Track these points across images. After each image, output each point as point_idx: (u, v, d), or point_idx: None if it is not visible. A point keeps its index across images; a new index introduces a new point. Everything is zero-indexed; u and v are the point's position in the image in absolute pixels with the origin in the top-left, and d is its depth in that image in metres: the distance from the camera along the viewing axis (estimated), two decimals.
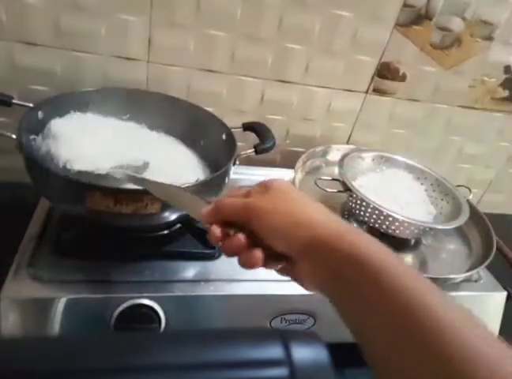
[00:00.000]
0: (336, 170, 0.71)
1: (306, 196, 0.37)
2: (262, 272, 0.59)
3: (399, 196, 0.69)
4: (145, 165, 0.59)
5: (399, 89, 0.84)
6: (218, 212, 0.37)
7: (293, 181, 0.70)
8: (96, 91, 0.65)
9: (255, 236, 0.35)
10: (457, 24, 0.78)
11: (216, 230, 0.36)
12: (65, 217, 0.58)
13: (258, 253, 0.35)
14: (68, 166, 0.54)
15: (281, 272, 0.37)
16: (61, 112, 0.61)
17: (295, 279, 0.37)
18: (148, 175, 0.58)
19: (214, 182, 0.56)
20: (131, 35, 0.69)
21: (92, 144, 0.57)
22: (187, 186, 0.49)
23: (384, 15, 0.75)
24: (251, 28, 0.72)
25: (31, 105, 0.57)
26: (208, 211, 0.37)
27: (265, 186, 0.38)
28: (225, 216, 0.37)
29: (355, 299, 0.31)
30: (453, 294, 0.65)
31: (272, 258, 0.36)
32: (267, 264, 0.36)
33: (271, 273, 0.59)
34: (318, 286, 0.34)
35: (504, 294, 0.67)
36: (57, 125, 0.57)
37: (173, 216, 0.53)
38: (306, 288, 0.36)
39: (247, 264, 0.35)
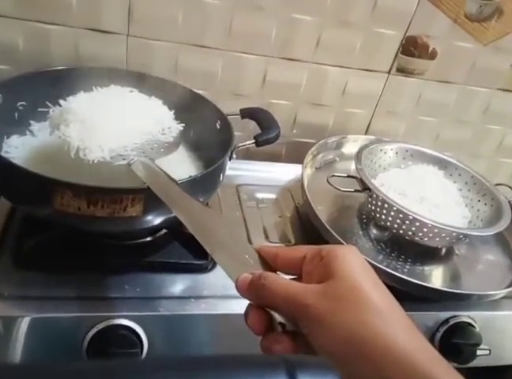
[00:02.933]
0: (352, 165, 0.71)
1: (387, 298, 0.32)
2: None
3: (427, 196, 0.69)
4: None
5: (428, 69, 0.84)
6: (260, 292, 0.34)
7: (301, 179, 0.70)
8: (66, 71, 0.65)
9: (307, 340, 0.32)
10: None
11: (256, 320, 0.34)
12: (28, 221, 0.58)
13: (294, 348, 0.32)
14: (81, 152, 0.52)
15: None
16: (24, 95, 0.61)
17: None
18: (129, 173, 0.57)
19: (207, 179, 0.56)
20: (108, 3, 0.69)
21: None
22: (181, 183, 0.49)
23: None
24: None
25: None
26: (248, 282, 0.34)
27: (323, 264, 0.33)
28: (268, 302, 0.34)
29: None
30: (493, 313, 0.65)
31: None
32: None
33: None
34: None
35: None
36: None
37: (157, 220, 0.53)
38: None
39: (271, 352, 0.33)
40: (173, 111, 0.60)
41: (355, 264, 0.33)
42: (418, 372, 0.28)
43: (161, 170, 0.50)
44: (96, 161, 0.51)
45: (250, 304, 0.35)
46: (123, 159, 0.52)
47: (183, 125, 0.59)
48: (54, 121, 0.54)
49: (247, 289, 0.34)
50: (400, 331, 0.30)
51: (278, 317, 0.33)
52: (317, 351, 0.30)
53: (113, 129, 0.53)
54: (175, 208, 0.44)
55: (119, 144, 0.52)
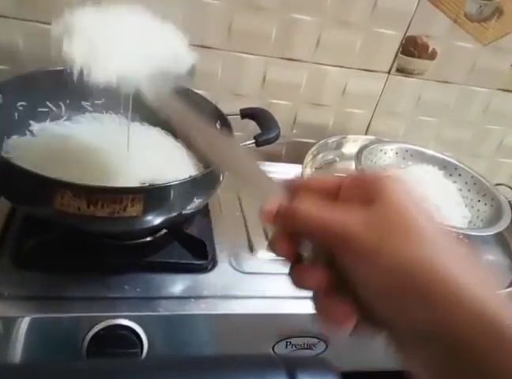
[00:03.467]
0: (352, 165, 0.71)
1: (443, 230, 0.26)
2: (264, 287, 0.59)
3: (427, 196, 0.69)
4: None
5: (428, 69, 0.84)
6: (291, 219, 0.29)
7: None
8: (66, 71, 0.65)
9: (344, 275, 0.27)
10: None
11: (284, 242, 0.29)
12: (28, 221, 0.58)
13: (349, 307, 0.27)
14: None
15: (386, 340, 0.28)
16: (24, 95, 0.61)
17: (398, 354, 0.27)
18: (131, 172, 0.58)
19: (207, 179, 0.56)
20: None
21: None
22: (175, 184, 0.49)
23: None
24: None
25: None
26: (275, 210, 0.29)
27: (368, 188, 0.28)
28: (300, 230, 0.29)
29: None
30: None
31: (368, 321, 0.27)
32: (360, 327, 0.27)
33: (274, 288, 0.59)
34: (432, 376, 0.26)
35: None
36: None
37: (157, 220, 0.53)
38: (410, 369, 0.27)
39: (329, 317, 0.27)
40: (187, 39, 0.54)
41: (404, 189, 0.27)
42: (486, 317, 0.23)
43: (172, 96, 0.45)
44: (101, 85, 0.46)
45: (277, 231, 0.30)
46: (129, 85, 0.47)
47: (197, 57, 0.53)
48: (56, 35, 0.48)
49: (275, 216, 0.29)
50: (462, 266, 0.25)
51: (307, 250, 0.29)
52: (357, 287, 0.26)
53: (121, 49, 0.48)
54: (191, 133, 0.39)
55: (127, 68, 0.48)
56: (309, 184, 0.31)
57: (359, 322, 0.26)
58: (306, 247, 0.28)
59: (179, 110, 0.42)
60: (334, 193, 0.29)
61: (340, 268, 0.26)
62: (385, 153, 0.76)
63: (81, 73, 0.46)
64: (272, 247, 0.30)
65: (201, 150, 0.37)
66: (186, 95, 0.67)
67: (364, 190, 0.27)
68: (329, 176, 0.31)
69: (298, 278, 0.28)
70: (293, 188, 0.30)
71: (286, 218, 0.29)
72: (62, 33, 0.48)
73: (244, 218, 0.70)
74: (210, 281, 0.58)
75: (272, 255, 0.64)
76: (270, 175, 0.33)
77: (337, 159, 0.83)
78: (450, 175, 0.75)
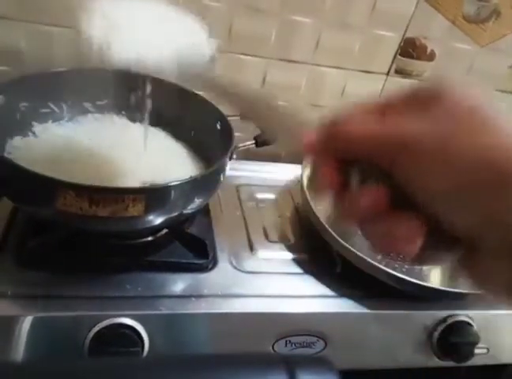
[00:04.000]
0: None
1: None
2: (263, 286, 0.59)
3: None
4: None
5: (426, 70, 0.84)
6: (336, 142, 0.25)
7: (301, 179, 0.70)
8: (68, 72, 0.65)
9: (405, 194, 0.23)
10: None
11: (329, 171, 0.25)
12: (30, 221, 0.58)
13: (414, 225, 0.23)
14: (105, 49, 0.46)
15: (457, 264, 0.25)
16: (26, 96, 0.61)
17: (475, 277, 0.24)
18: (132, 172, 0.58)
19: (207, 180, 0.56)
20: None
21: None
22: (176, 184, 0.49)
23: None
24: None
25: None
26: (317, 136, 0.26)
27: (425, 93, 0.24)
28: (347, 150, 0.25)
29: None
30: (490, 312, 0.65)
31: (438, 241, 0.23)
32: (427, 250, 0.23)
33: (274, 287, 0.59)
34: None
35: None
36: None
37: (158, 220, 0.53)
38: (487, 294, 0.25)
39: (391, 241, 0.23)
40: (208, 30, 0.53)
41: (465, 91, 0.24)
42: None
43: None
44: (120, 61, 0.45)
45: (319, 162, 0.26)
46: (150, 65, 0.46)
47: (217, 42, 0.52)
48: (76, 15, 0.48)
49: (319, 143, 0.26)
50: None
51: (357, 175, 0.25)
52: (426, 199, 0.22)
53: (141, 31, 0.47)
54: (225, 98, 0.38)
55: (146, 49, 0.47)
56: (350, 112, 0.27)
57: (427, 244, 0.23)
58: (354, 173, 0.25)
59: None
60: (383, 115, 0.25)
61: (400, 184, 0.23)
62: None
63: (102, 53, 0.45)
64: (317, 181, 0.26)
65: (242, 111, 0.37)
66: (187, 96, 0.67)
67: (421, 98, 0.24)
68: (371, 101, 0.27)
69: (351, 206, 0.25)
70: (333, 121, 0.26)
71: (332, 141, 0.25)
72: (83, 16, 0.48)
73: (244, 218, 0.70)
74: (211, 280, 0.58)
75: (272, 254, 0.65)
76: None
77: None
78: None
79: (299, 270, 0.63)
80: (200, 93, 0.68)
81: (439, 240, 0.23)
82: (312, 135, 0.26)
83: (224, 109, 0.65)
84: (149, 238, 0.60)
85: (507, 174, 0.21)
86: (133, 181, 0.56)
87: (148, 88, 0.68)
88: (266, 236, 0.68)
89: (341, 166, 0.25)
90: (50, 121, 0.65)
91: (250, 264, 0.62)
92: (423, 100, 0.24)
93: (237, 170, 0.76)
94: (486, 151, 0.21)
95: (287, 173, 0.82)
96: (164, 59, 0.47)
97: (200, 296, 0.56)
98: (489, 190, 0.21)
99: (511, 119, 0.23)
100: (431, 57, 0.83)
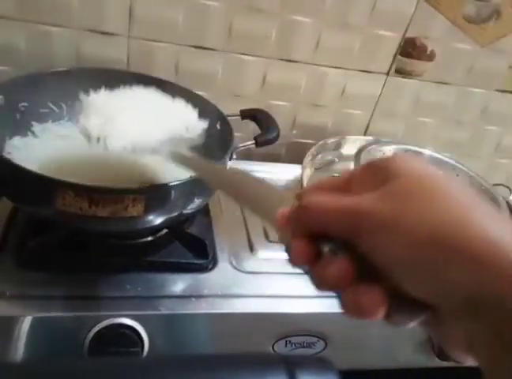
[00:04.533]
0: (351, 165, 0.71)
1: (462, 189, 0.24)
2: (264, 287, 0.59)
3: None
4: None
5: (426, 70, 0.84)
6: (303, 216, 0.27)
7: (300, 179, 0.70)
8: (68, 72, 0.65)
9: (368, 264, 0.25)
10: None
11: (300, 245, 0.27)
12: (30, 221, 0.58)
13: (378, 294, 0.24)
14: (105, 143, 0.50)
15: (424, 326, 0.26)
16: (26, 96, 0.61)
17: (437, 337, 0.26)
18: (132, 172, 0.58)
19: None
20: (109, 5, 0.69)
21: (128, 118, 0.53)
22: (176, 184, 0.49)
23: None
24: None
25: None
26: (287, 213, 0.28)
27: (379, 171, 0.26)
28: (314, 225, 0.27)
29: None
30: None
31: (402, 305, 0.24)
32: (393, 314, 0.24)
33: (274, 288, 0.59)
34: (480, 355, 0.25)
35: None
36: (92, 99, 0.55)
37: (158, 220, 0.53)
38: (450, 353, 0.27)
39: (358, 308, 0.24)
40: (197, 110, 0.58)
41: (418, 163, 0.26)
42: None
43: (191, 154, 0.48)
44: (117, 149, 0.49)
45: (290, 238, 0.28)
46: (146, 150, 0.50)
47: (207, 122, 0.57)
48: (73, 115, 0.52)
49: (289, 220, 0.28)
50: (494, 222, 0.23)
51: (326, 246, 0.27)
52: (385, 269, 0.24)
53: (135, 124, 0.51)
54: (220, 187, 0.40)
55: (142, 137, 0.50)
56: (319, 185, 0.30)
57: (392, 309, 0.24)
58: (324, 245, 0.27)
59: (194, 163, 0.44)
60: (346, 188, 0.28)
61: (363, 255, 0.25)
62: (383, 154, 0.76)
63: (98, 141, 0.49)
64: (288, 255, 0.28)
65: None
66: (187, 96, 0.67)
67: (376, 174, 0.26)
68: (339, 176, 0.30)
69: (321, 276, 0.26)
70: (303, 193, 0.29)
71: (299, 216, 0.28)
72: (79, 112, 0.53)
73: (244, 218, 0.70)
74: (211, 280, 0.58)
75: (272, 254, 0.65)
76: (276, 187, 0.33)
77: (336, 160, 0.83)
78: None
79: (299, 270, 0.63)
80: (200, 93, 0.68)
81: (403, 305, 0.24)
82: (285, 210, 0.29)
83: (224, 109, 0.65)
84: (149, 238, 0.60)
85: (452, 249, 0.22)
86: (133, 181, 0.56)
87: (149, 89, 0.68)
88: (266, 236, 0.68)
89: (312, 239, 0.27)
90: (50, 121, 0.65)
91: (250, 264, 0.62)
92: (377, 174, 0.26)
93: None
94: (433, 227, 0.22)
95: (287, 173, 0.82)
96: (158, 143, 0.51)
97: (200, 296, 0.56)
98: (436, 263, 0.22)
99: (459, 186, 0.24)
100: (430, 57, 0.83)
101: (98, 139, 0.49)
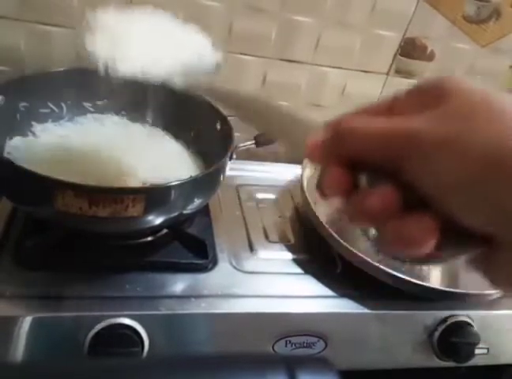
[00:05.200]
0: None
1: None
2: (264, 287, 0.59)
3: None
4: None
5: (426, 70, 0.84)
6: (343, 142, 0.25)
7: (300, 179, 0.70)
8: (67, 72, 0.65)
9: (415, 194, 0.22)
10: None
11: (337, 173, 0.24)
12: (30, 221, 0.58)
13: (427, 222, 0.22)
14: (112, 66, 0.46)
15: (471, 262, 0.24)
16: (26, 96, 0.61)
17: (491, 274, 0.24)
18: (132, 172, 0.58)
19: (207, 179, 0.56)
20: (108, 4, 0.69)
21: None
22: (176, 184, 0.49)
23: None
24: None
25: None
26: (322, 140, 0.25)
27: (430, 92, 0.24)
28: (354, 151, 0.24)
29: None
30: (490, 312, 0.65)
31: (453, 238, 0.23)
32: (443, 248, 0.23)
33: (274, 288, 0.59)
34: None
35: None
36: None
37: (158, 220, 0.53)
38: (507, 288, 0.25)
39: (405, 239, 0.22)
40: (211, 39, 0.55)
41: (475, 84, 0.24)
42: None
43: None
44: (127, 75, 0.45)
45: (322, 167, 0.26)
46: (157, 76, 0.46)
47: (221, 54, 0.54)
48: (80, 33, 0.47)
49: (323, 145, 0.25)
50: None
51: (364, 175, 0.24)
52: (436, 197, 0.22)
53: (146, 48, 0.48)
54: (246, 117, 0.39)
55: (152, 61, 0.47)
56: (357, 111, 0.27)
57: (442, 242, 0.22)
58: (362, 175, 0.24)
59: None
60: (388, 114, 0.25)
61: (408, 183, 0.22)
62: None
63: (107, 66, 0.45)
64: (323, 186, 0.25)
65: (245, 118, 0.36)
66: (187, 96, 0.67)
67: (426, 96, 0.24)
68: (378, 102, 0.27)
69: (359, 209, 0.24)
70: (341, 119, 0.26)
71: (338, 142, 0.25)
72: (85, 32, 0.47)
73: (244, 218, 0.70)
74: (210, 280, 0.58)
75: (272, 254, 0.65)
76: None
77: None
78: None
79: (299, 270, 0.63)
80: (200, 93, 0.68)
81: (453, 239, 0.22)
82: (316, 137, 0.26)
83: (224, 109, 0.65)
84: (149, 238, 0.60)
85: None
86: (133, 181, 0.56)
87: (148, 88, 0.68)
88: (266, 236, 0.68)
89: (348, 169, 0.24)
90: (50, 121, 0.65)
91: (250, 264, 0.62)
92: (428, 98, 0.24)
93: (237, 170, 0.76)
94: (492, 147, 0.20)
95: (287, 173, 0.82)
96: (169, 70, 0.48)
97: (200, 296, 0.55)
98: (494, 186, 0.20)
99: None
100: (430, 57, 0.83)
101: (106, 62, 0.45)
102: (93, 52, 0.46)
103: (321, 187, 0.25)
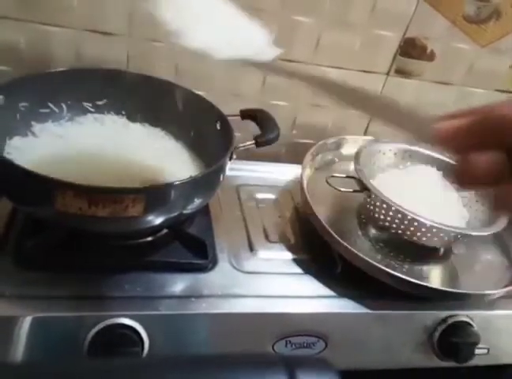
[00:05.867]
0: (351, 166, 0.71)
1: None
2: (264, 287, 0.59)
3: (426, 197, 0.69)
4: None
5: (426, 70, 0.84)
6: (498, 128, 0.23)
7: (300, 179, 0.70)
8: (67, 72, 0.65)
9: None
10: None
11: (488, 159, 0.23)
12: (30, 221, 0.58)
13: None
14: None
15: None
16: (26, 96, 0.61)
17: None
18: (132, 172, 0.58)
19: (207, 179, 0.56)
20: (109, 5, 0.69)
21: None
22: (176, 184, 0.49)
23: None
24: None
25: None
26: (457, 126, 0.24)
27: None
28: (503, 137, 0.23)
29: None
30: (491, 312, 0.65)
31: None
32: None
33: (274, 288, 0.59)
34: None
35: None
36: None
37: (158, 220, 0.53)
38: None
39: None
40: (273, 35, 0.54)
41: None
42: None
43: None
44: (196, 49, 0.47)
45: (462, 153, 0.24)
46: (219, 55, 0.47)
47: (281, 50, 0.52)
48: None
49: (461, 131, 0.24)
50: None
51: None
52: None
53: (212, 24, 0.49)
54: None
55: (216, 40, 0.48)
56: (502, 102, 0.25)
57: None
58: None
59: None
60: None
61: None
62: (384, 154, 0.76)
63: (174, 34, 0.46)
64: (468, 172, 0.24)
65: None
66: (187, 96, 0.67)
67: None
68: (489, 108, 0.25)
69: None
70: (491, 105, 0.25)
71: (490, 129, 0.23)
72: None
73: (244, 218, 0.70)
74: (210, 280, 0.58)
75: (272, 254, 0.65)
76: None
77: (336, 160, 0.83)
78: (449, 175, 0.75)
79: (299, 270, 0.63)
80: (200, 93, 0.68)
81: None
82: (449, 124, 0.25)
83: (224, 109, 0.65)
84: (149, 238, 0.60)
85: None
86: (133, 181, 0.56)
87: (148, 89, 0.68)
88: (266, 236, 0.68)
89: (500, 155, 0.23)
90: (50, 121, 0.65)
91: (250, 264, 0.62)
92: None
93: (237, 170, 0.76)
94: None
95: (287, 173, 0.82)
96: (230, 53, 0.48)
97: (200, 296, 0.55)
98: None
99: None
100: (431, 57, 0.83)
101: (175, 30, 0.46)
102: (159, 16, 0.47)
103: (459, 175, 0.24)
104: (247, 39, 0.52)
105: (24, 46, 0.70)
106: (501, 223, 0.65)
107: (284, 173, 0.82)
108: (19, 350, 0.49)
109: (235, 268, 0.60)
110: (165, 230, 0.60)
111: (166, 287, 0.56)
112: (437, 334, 0.62)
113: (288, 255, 0.65)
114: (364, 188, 0.66)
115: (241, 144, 0.61)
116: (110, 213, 0.48)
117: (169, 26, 0.47)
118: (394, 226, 0.66)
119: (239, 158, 0.61)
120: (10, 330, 0.48)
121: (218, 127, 0.64)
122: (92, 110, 0.68)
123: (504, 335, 0.67)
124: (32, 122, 0.63)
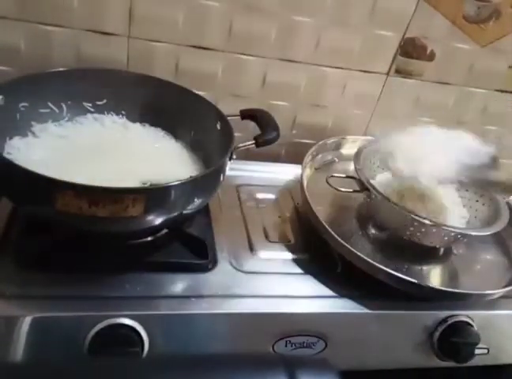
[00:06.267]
0: (351, 166, 0.71)
1: None
2: (264, 287, 0.59)
3: (426, 197, 0.69)
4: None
5: (426, 70, 0.84)
6: None
7: (300, 179, 0.70)
8: (67, 72, 0.65)
9: None
10: None
11: None
12: (30, 221, 0.58)
13: None
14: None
15: None
16: (26, 96, 0.61)
17: None
18: (132, 172, 0.58)
19: (207, 180, 0.56)
20: (109, 5, 0.69)
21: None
22: (176, 184, 0.49)
23: None
24: None
25: None
26: None
27: None
28: None
29: None
30: (491, 312, 0.65)
31: None
32: None
33: (274, 288, 0.59)
34: None
35: None
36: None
37: (158, 220, 0.53)
38: None
39: None
40: (480, 139, 0.67)
41: None
42: None
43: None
44: (426, 184, 0.66)
45: None
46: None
47: (491, 152, 0.65)
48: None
49: None
50: None
51: None
52: None
53: (433, 158, 0.63)
54: None
55: (441, 168, 0.63)
56: None
57: None
58: None
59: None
60: None
61: None
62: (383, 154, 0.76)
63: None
64: None
65: None
66: (187, 96, 0.67)
67: None
68: None
69: None
70: None
71: None
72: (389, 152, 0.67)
73: (244, 218, 0.70)
74: (210, 280, 0.58)
75: (272, 254, 0.65)
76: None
77: (336, 160, 0.83)
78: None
79: (299, 270, 0.63)
80: (200, 93, 0.68)
81: None
82: None
83: (224, 109, 0.65)
84: (149, 239, 0.60)
85: None
86: (133, 181, 0.56)
87: (148, 89, 0.68)
88: (266, 236, 0.68)
89: None
90: (50, 121, 0.65)
91: (250, 264, 0.62)
92: None
93: (237, 170, 0.76)
94: None
95: (287, 173, 0.82)
96: (453, 171, 0.63)
97: (200, 296, 0.55)
98: None
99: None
100: (431, 57, 0.83)
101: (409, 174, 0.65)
102: (397, 170, 0.65)
103: None
104: (463, 148, 0.65)
105: (24, 47, 0.70)
106: (501, 223, 0.66)
107: (284, 173, 0.82)
108: (19, 350, 0.49)
109: (235, 268, 0.61)
110: (165, 230, 0.60)
111: (166, 287, 0.56)
112: (437, 334, 0.62)
113: (288, 255, 0.65)
114: (364, 188, 0.66)
115: (241, 144, 0.61)
116: (110, 213, 0.48)
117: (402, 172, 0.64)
118: (394, 226, 0.66)
119: (239, 158, 0.61)
120: (10, 330, 0.48)
121: (218, 127, 0.64)
122: (92, 110, 0.68)
123: (504, 335, 0.67)
124: (32, 122, 0.63)
